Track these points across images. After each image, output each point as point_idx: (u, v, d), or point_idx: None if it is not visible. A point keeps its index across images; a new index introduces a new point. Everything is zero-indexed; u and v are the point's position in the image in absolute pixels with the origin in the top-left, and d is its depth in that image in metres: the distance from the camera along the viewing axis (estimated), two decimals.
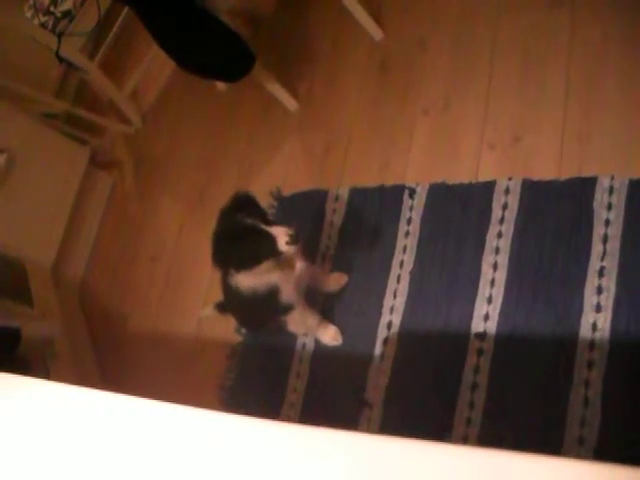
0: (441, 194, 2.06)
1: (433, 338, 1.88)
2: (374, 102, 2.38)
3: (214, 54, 2.25)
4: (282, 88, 2.51)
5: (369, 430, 1.85)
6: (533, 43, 2.09)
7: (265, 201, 2.36)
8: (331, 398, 1.99)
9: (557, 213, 1.84)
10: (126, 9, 2.71)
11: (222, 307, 2.11)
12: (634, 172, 1.78)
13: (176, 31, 2.17)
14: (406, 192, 2.11)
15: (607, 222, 1.76)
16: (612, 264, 1.71)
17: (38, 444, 1.05)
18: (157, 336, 2.54)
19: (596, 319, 1.67)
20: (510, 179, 1.95)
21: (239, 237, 1.69)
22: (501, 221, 1.92)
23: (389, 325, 1.97)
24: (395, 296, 1.99)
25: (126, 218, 2.96)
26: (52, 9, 2.52)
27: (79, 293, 2.90)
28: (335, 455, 0.79)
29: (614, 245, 1.73)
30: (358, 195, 2.20)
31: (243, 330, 2.25)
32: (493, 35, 2.18)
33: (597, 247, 1.74)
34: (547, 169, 1.91)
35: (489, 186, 1.98)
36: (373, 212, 2.16)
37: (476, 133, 2.09)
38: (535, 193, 1.90)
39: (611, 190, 1.78)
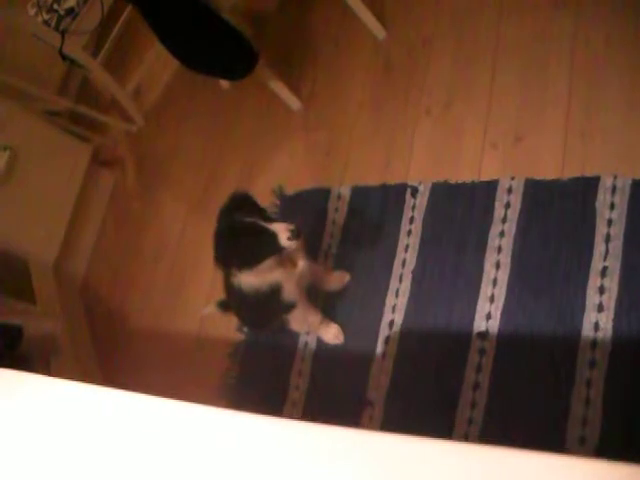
0: (443, 193, 2.06)
1: (435, 337, 1.88)
2: (377, 101, 2.38)
3: (217, 53, 2.25)
4: (285, 87, 2.51)
5: (371, 429, 1.85)
6: (536, 43, 2.09)
7: (268, 199, 2.36)
8: (333, 396, 1.99)
9: (559, 212, 1.84)
10: (129, 7, 2.71)
11: (224, 306, 2.11)
12: (637, 172, 1.77)
13: (179, 30, 2.18)
14: (408, 191, 2.11)
15: (610, 222, 1.76)
16: (614, 264, 1.71)
17: (40, 439, 1.05)
18: (159, 334, 2.55)
19: (598, 319, 1.67)
20: (513, 178, 1.95)
21: (240, 236, 1.69)
22: (503, 220, 1.92)
23: (391, 324, 1.97)
24: (397, 295, 1.99)
25: (128, 216, 2.96)
26: (55, 7, 2.52)
27: (81, 290, 2.90)
28: (339, 452, 0.79)
29: (616, 245, 1.72)
30: (360, 194, 2.20)
31: (245, 329, 2.25)
32: (496, 35, 2.18)
33: (599, 247, 1.74)
34: (550, 168, 1.91)
35: (492, 185, 1.98)
36: (375, 211, 2.16)
37: (479, 132, 2.09)
38: (538, 192, 1.90)
39: (614, 190, 1.78)
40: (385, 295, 2.01)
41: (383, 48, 2.45)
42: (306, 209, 2.30)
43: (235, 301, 1.97)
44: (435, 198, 2.06)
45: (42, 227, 2.75)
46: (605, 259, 1.72)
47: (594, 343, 1.65)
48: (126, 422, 1.01)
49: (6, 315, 2.32)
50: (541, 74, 2.04)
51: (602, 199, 1.79)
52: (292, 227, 1.68)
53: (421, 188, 2.10)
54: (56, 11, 2.53)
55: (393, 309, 1.98)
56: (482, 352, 1.79)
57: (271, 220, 1.71)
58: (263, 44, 2.42)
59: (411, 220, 2.07)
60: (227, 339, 2.27)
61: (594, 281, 1.71)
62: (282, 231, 1.67)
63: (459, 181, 2.05)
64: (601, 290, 1.69)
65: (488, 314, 1.83)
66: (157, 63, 2.85)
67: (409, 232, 2.06)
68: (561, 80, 1.99)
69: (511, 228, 1.89)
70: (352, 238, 2.17)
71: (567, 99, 1.95)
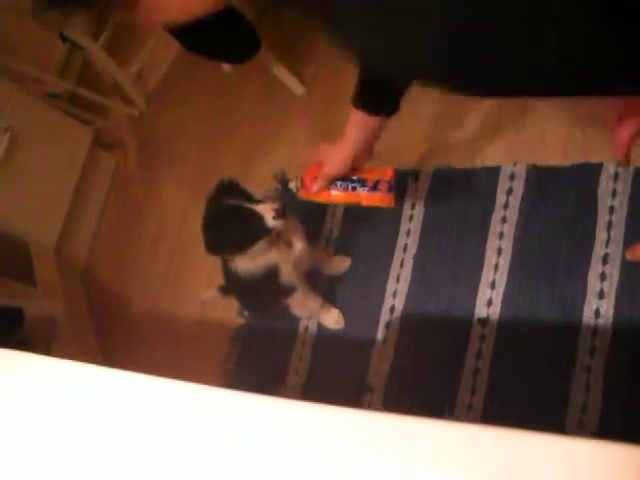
0: (445, 178, 2.05)
1: (436, 323, 1.89)
2: None
3: (219, 35, 2.24)
4: (288, 71, 2.50)
5: None
6: None
7: (269, 184, 2.35)
8: (333, 381, 1.99)
9: (562, 199, 1.84)
10: None
11: (225, 290, 2.11)
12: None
13: None
14: (411, 176, 2.11)
15: (611, 209, 1.75)
16: (616, 251, 1.71)
17: (41, 418, 1.06)
18: (159, 318, 2.55)
19: (599, 305, 1.67)
20: (515, 164, 1.95)
21: (227, 221, 1.69)
22: (505, 206, 1.91)
23: (392, 309, 1.97)
24: (398, 280, 1.99)
25: (129, 199, 2.96)
26: None
27: (82, 273, 2.90)
28: (338, 431, 0.79)
29: (618, 232, 1.72)
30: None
31: (246, 313, 2.25)
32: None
33: (601, 234, 1.74)
34: (552, 155, 1.90)
35: (494, 171, 1.98)
36: None
37: (481, 117, 2.08)
38: (540, 178, 1.90)
39: (616, 177, 1.78)
40: (386, 280, 2.01)
41: None
42: None
43: (234, 285, 1.97)
44: (437, 183, 2.06)
45: (43, 210, 2.75)
46: (607, 246, 1.72)
47: (595, 330, 1.65)
48: (127, 401, 1.02)
49: (6, 297, 2.32)
50: None
51: (604, 186, 1.78)
52: (277, 206, 1.67)
53: (423, 173, 2.09)
54: None
55: (394, 294, 1.98)
56: (483, 338, 1.79)
57: (257, 202, 1.69)
58: (266, 28, 2.40)
59: (413, 205, 2.07)
60: (228, 323, 2.28)
61: (595, 268, 1.71)
62: (267, 211, 1.66)
63: (461, 166, 2.04)
64: (602, 277, 1.70)
65: (489, 300, 1.83)
66: (159, 46, 2.84)
67: (411, 217, 2.05)
68: None
69: (513, 214, 1.89)
70: (353, 223, 2.17)
71: None
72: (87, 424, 1.01)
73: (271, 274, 1.81)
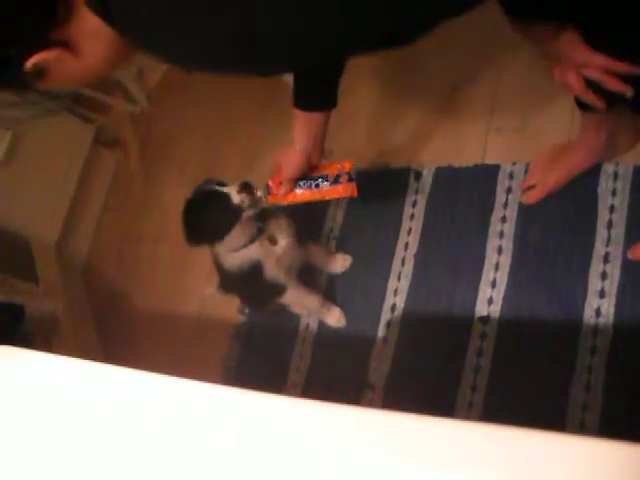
0: (447, 177, 2.06)
1: (437, 321, 1.89)
2: (382, 84, 2.38)
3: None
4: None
5: None
6: None
7: None
8: (333, 379, 1.99)
9: (561, 198, 1.84)
10: None
11: (222, 287, 2.11)
12: (639, 159, 1.77)
13: None
14: (412, 174, 2.11)
15: (612, 208, 1.76)
16: (616, 250, 1.71)
17: (41, 416, 1.06)
18: (160, 316, 2.55)
19: (600, 305, 1.67)
20: (514, 164, 1.95)
21: (200, 208, 1.71)
22: (505, 205, 1.92)
23: (393, 308, 1.97)
24: (399, 279, 2.00)
25: (131, 197, 2.96)
26: None
27: (83, 271, 2.91)
28: (339, 429, 0.79)
29: (618, 231, 1.73)
30: (364, 177, 2.19)
31: (246, 310, 2.25)
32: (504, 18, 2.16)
33: (601, 233, 1.74)
34: None
35: (493, 170, 1.99)
36: (378, 194, 2.15)
37: (484, 116, 2.08)
38: None
39: (615, 176, 1.78)
40: (387, 278, 2.01)
41: None
42: None
43: (225, 281, 1.98)
44: (438, 182, 2.06)
45: (44, 207, 2.76)
46: (607, 245, 1.72)
47: (595, 329, 1.65)
48: (128, 399, 1.02)
49: (8, 294, 2.32)
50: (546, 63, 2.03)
51: (604, 185, 1.79)
52: (241, 182, 1.69)
53: (425, 172, 2.10)
54: None
55: (395, 292, 1.98)
56: (483, 336, 1.79)
57: (224, 186, 1.72)
58: None
59: (414, 204, 2.07)
60: (228, 320, 2.28)
61: (596, 267, 1.71)
62: (232, 189, 1.68)
63: (462, 165, 2.04)
64: (603, 276, 1.70)
65: (490, 299, 1.83)
66: None
67: (412, 216, 2.06)
68: None
69: (512, 213, 1.89)
70: (354, 221, 2.17)
71: None
72: (88, 421, 1.01)
73: (255, 270, 1.81)
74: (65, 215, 2.83)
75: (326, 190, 1.77)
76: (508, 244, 1.86)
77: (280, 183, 1.74)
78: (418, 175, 2.10)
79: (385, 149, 2.24)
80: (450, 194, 2.03)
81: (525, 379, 1.70)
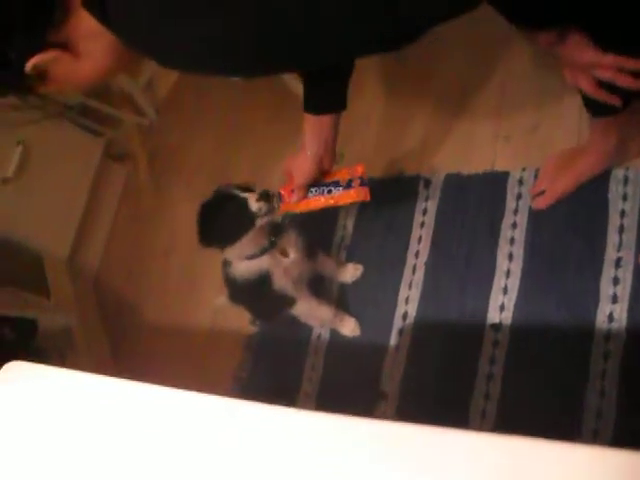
0: (456, 185, 2.05)
1: (448, 329, 1.88)
2: (390, 92, 2.38)
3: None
4: (298, 80, 2.49)
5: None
6: None
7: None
8: (346, 389, 1.99)
9: (572, 203, 1.83)
10: None
11: (232, 298, 2.11)
12: None
13: None
14: (421, 182, 2.11)
15: (623, 213, 1.75)
16: (628, 255, 1.70)
17: (55, 430, 1.06)
18: (172, 328, 2.55)
19: (612, 310, 1.66)
20: (524, 169, 1.95)
21: (216, 210, 1.71)
22: (515, 212, 1.91)
23: (404, 316, 1.97)
24: (410, 287, 1.99)
25: (141, 210, 2.97)
26: None
27: (94, 284, 2.91)
28: (353, 441, 0.79)
29: (630, 236, 1.72)
30: (373, 185, 2.19)
31: (258, 321, 2.25)
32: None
33: (613, 238, 1.73)
34: None
35: (503, 177, 1.98)
36: (388, 202, 2.15)
37: (492, 122, 2.08)
38: None
39: (626, 181, 1.77)
40: (398, 287, 2.01)
41: None
42: None
43: (235, 294, 1.97)
44: (448, 189, 2.06)
45: (55, 221, 2.77)
46: (619, 250, 1.72)
47: (608, 334, 1.64)
48: (141, 413, 1.02)
49: (21, 309, 2.33)
50: (556, 63, 2.03)
51: (614, 190, 1.78)
52: (261, 190, 1.69)
53: (434, 179, 2.10)
54: None
55: (406, 301, 1.98)
56: (496, 344, 1.78)
57: (248, 191, 1.71)
58: None
59: (424, 211, 2.07)
60: (240, 332, 2.28)
61: (608, 272, 1.71)
62: (251, 196, 1.68)
63: (471, 172, 2.04)
64: (615, 281, 1.69)
65: (501, 306, 1.82)
66: None
67: (422, 224, 2.05)
68: None
69: (523, 220, 1.89)
70: (365, 230, 2.17)
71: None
72: (101, 435, 1.02)
73: (264, 280, 1.81)
74: (76, 229, 2.84)
75: (339, 196, 1.74)
76: (519, 250, 1.86)
77: (292, 191, 1.72)
78: (428, 183, 2.10)
79: (394, 156, 2.24)
80: (460, 201, 2.02)
81: (538, 386, 1.69)
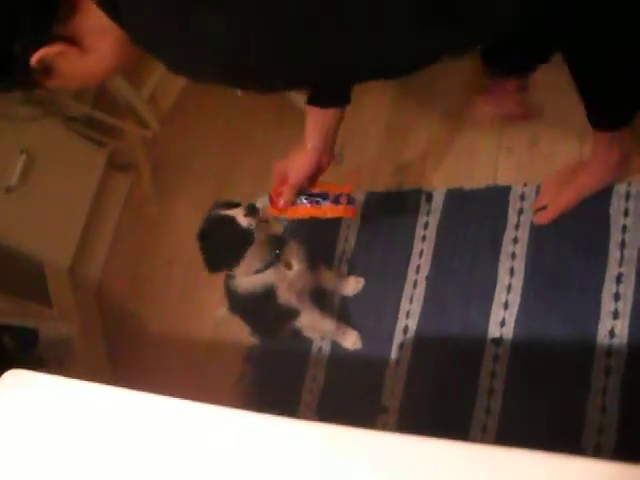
0: (458, 199, 2.06)
1: (449, 343, 1.88)
2: (391, 106, 2.38)
3: None
4: (300, 91, 2.50)
5: None
6: None
7: None
8: (347, 402, 1.99)
9: (573, 218, 1.83)
10: None
11: (232, 311, 2.10)
12: None
13: None
14: (423, 196, 2.11)
15: (624, 228, 1.75)
16: (630, 270, 1.70)
17: (53, 439, 1.06)
18: (173, 338, 2.55)
19: (614, 326, 1.66)
20: (525, 185, 1.95)
21: (212, 235, 1.71)
22: (517, 227, 1.91)
23: (405, 330, 1.97)
24: (411, 301, 1.99)
25: (143, 220, 2.97)
26: None
27: (96, 294, 2.91)
28: (354, 452, 0.79)
29: (631, 251, 1.72)
30: (375, 199, 2.21)
31: (256, 336, 2.24)
32: None
33: (614, 253, 1.74)
34: None
35: (504, 191, 1.98)
36: (389, 216, 2.16)
37: (494, 137, 2.08)
38: None
39: (628, 196, 1.78)
40: (399, 301, 2.01)
41: None
42: None
43: (236, 307, 1.97)
44: (450, 204, 2.06)
45: (58, 231, 2.77)
46: (620, 266, 1.72)
47: (609, 350, 1.64)
48: (140, 422, 1.02)
49: (22, 318, 2.33)
50: (558, 75, 2.03)
51: (616, 205, 1.78)
52: (247, 204, 1.68)
53: (436, 194, 2.10)
54: None
55: (407, 315, 1.98)
56: (496, 358, 1.78)
57: (233, 206, 1.71)
58: None
59: (425, 226, 2.07)
60: (241, 343, 2.27)
61: (609, 288, 1.71)
62: (238, 213, 1.67)
63: (473, 187, 2.04)
64: (616, 297, 1.69)
65: (502, 320, 1.82)
66: None
67: (423, 238, 2.05)
68: None
69: (524, 234, 1.89)
70: (366, 244, 2.17)
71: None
72: (101, 445, 1.01)
73: (268, 294, 1.81)
74: (78, 238, 2.84)
75: (327, 208, 1.72)
76: (520, 265, 1.86)
77: (281, 194, 1.69)
78: (429, 197, 2.10)
79: (395, 169, 2.24)
80: (461, 216, 2.03)
81: (539, 401, 1.68)
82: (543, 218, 1.86)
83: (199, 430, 0.96)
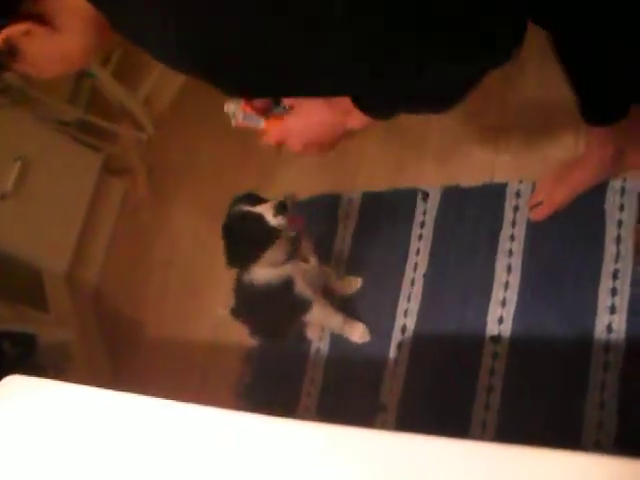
0: (454, 197, 2.06)
1: (448, 341, 1.88)
2: None
3: None
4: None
5: None
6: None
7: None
8: (346, 402, 1.99)
9: (569, 215, 1.83)
10: None
11: (236, 313, 2.09)
12: None
13: None
14: (419, 195, 2.11)
15: (620, 223, 1.75)
16: (626, 266, 1.70)
17: (53, 444, 1.06)
18: (171, 341, 2.55)
19: (611, 321, 1.66)
20: (521, 182, 1.95)
21: (237, 230, 1.70)
22: (513, 224, 1.91)
23: (403, 329, 1.97)
24: (409, 299, 1.99)
25: (139, 224, 2.97)
26: None
27: (93, 298, 2.91)
28: (353, 451, 0.79)
29: (627, 246, 1.72)
30: (371, 199, 2.21)
31: (257, 338, 2.23)
32: None
33: (610, 248, 1.74)
34: None
35: (501, 189, 1.98)
36: (386, 216, 2.16)
37: (489, 135, 2.08)
38: None
39: (623, 191, 1.78)
40: (397, 299, 2.01)
41: None
42: (317, 215, 2.30)
43: (245, 304, 1.97)
44: (446, 202, 2.06)
45: (54, 237, 2.76)
46: (616, 261, 1.72)
47: (607, 345, 1.64)
48: (140, 426, 1.02)
49: (20, 324, 2.33)
50: (555, 75, 2.04)
51: (611, 201, 1.78)
52: (276, 202, 1.66)
53: (432, 192, 2.10)
54: None
55: (405, 313, 1.98)
56: (495, 355, 1.78)
57: (259, 202, 1.69)
58: None
59: (422, 224, 2.07)
60: (240, 345, 2.27)
61: (606, 283, 1.71)
62: (267, 210, 1.65)
63: (469, 185, 2.05)
64: (613, 292, 1.69)
65: (500, 318, 1.82)
66: (167, 70, 2.86)
67: (420, 236, 2.06)
68: None
69: (521, 231, 1.89)
70: (363, 243, 2.17)
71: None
72: (101, 449, 1.01)
73: (286, 285, 1.82)
74: (75, 243, 2.84)
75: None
76: (517, 262, 1.86)
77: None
78: (425, 195, 2.10)
79: (391, 168, 2.24)
80: (458, 214, 2.03)
81: (538, 398, 1.69)
82: (539, 214, 1.86)
83: (199, 432, 0.96)
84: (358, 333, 2.02)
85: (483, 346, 1.81)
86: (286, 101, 1.33)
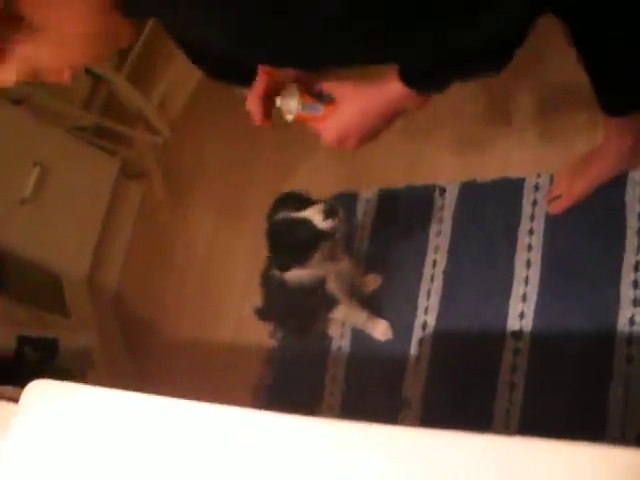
0: (472, 192, 2.05)
1: (469, 337, 1.88)
2: None
3: None
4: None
5: None
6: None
7: None
8: (369, 399, 1.99)
9: (588, 208, 1.82)
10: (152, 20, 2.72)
11: (262, 313, 2.09)
12: None
13: None
14: (436, 191, 2.11)
15: None
16: None
17: (79, 447, 1.07)
18: (192, 342, 2.56)
19: (634, 313, 1.65)
20: (539, 175, 1.94)
21: (283, 235, 1.68)
22: (532, 218, 1.90)
23: (424, 325, 1.96)
24: (429, 296, 1.99)
25: (157, 227, 2.98)
26: None
27: (113, 302, 2.93)
28: (379, 448, 0.79)
29: None
30: (388, 196, 2.20)
31: (279, 335, 2.24)
32: None
33: (631, 241, 1.73)
34: None
35: (518, 183, 1.98)
36: (404, 212, 2.16)
37: (506, 129, 2.07)
38: None
39: None
40: (417, 296, 2.01)
41: None
42: None
43: (275, 301, 1.98)
44: (463, 198, 2.06)
45: (73, 241, 2.78)
46: (637, 253, 1.71)
47: (630, 338, 1.63)
48: (164, 426, 1.02)
49: (41, 329, 2.34)
50: (568, 67, 2.03)
51: (631, 193, 1.77)
52: (324, 206, 1.64)
53: (449, 188, 2.09)
54: None
55: (425, 310, 1.98)
56: (517, 351, 1.78)
57: (305, 206, 1.67)
58: None
59: (440, 220, 2.06)
60: (261, 346, 2.28)
61: (627, 276, 1.70)
62: (315, 214, 1.64)
63: (487, 179, 2.04)
64: (635, 284, 1.68)
65: (521, 313, 1.81)
66: (181, 73, 2.87)
67: (438, 233, 2.05)
68: None
69: (539, 226, 1.88)
70: (382, 241, 2.17)
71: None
72: (126, 450, 1.02)
73: (320, 283, 1.83)
74: (94, 247, 2.85)
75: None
76: (536, 257, 1.85)
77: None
78: (442, 191, 2.10)
79: (408, 164, 2.24)
80: (475, 209, 2.02)
81: (561, 392, 1.68)
82: (557, 208, 1.85)
83: (225, 432, 0.96)
84: (381, 330, 2.02)
85: (504, 341, 1.80)
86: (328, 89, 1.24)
